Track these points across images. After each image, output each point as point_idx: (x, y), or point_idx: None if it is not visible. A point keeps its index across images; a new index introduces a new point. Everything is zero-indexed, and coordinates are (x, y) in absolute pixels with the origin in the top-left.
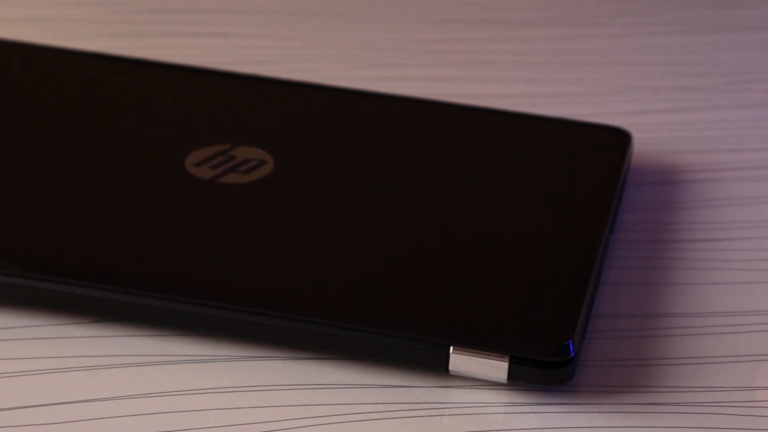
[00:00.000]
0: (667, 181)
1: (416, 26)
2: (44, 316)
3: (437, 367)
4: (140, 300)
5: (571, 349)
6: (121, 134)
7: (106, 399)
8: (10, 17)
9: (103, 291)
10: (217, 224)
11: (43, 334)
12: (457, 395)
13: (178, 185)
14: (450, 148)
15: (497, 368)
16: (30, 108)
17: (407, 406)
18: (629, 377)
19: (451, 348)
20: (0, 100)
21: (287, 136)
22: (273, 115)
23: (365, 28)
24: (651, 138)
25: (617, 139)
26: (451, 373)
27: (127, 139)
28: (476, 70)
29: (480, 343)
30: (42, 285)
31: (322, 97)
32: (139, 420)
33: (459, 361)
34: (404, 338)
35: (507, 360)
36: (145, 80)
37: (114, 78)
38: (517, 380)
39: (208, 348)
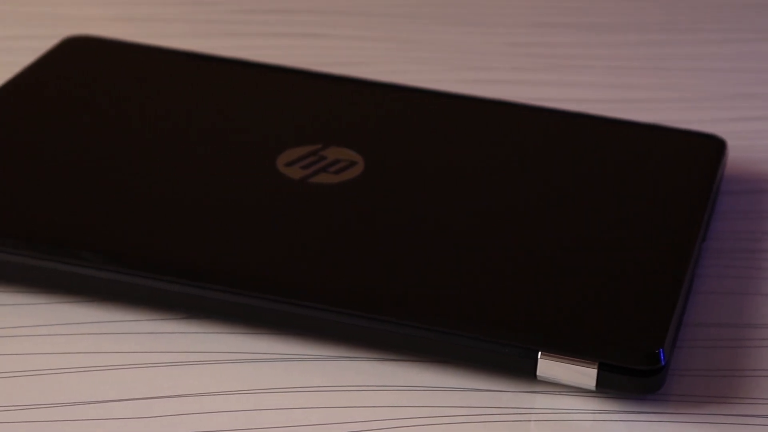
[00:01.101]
0: (762, 189)
1: (508, 29)
2: (136, 312)
3: (525, 372)
4: (232, 297)
5: (662, 357)
6: (215, 133)
7: (196, 394)
8: (107, 15)
9: (195, 288)
10: (306, 224)
11: (135, 329)
12: (545, 401)
13: (269, 184)
14: (542, 153)
15: (586, 375)
16: (126, 107)
17: (494, 411)
18: (720, 388)
19: (540, 353)
20: (97, 99)
21: (378, 137)
22: (364, 116)
23: (457, 31)
24: (745, 146)
25: (711, 147)
26: (538, 378)
27: (220, 137)
28: (568, 74)
29: (569, 349)
30: (136, 280)
31: (413, 99)
32: (229, 416)
33: (547, 366)
34: (492, 342)
35: (596, 367)
36: (239, 80)
37: (209, 77)
38: (606, 388)
39: (298, 347)
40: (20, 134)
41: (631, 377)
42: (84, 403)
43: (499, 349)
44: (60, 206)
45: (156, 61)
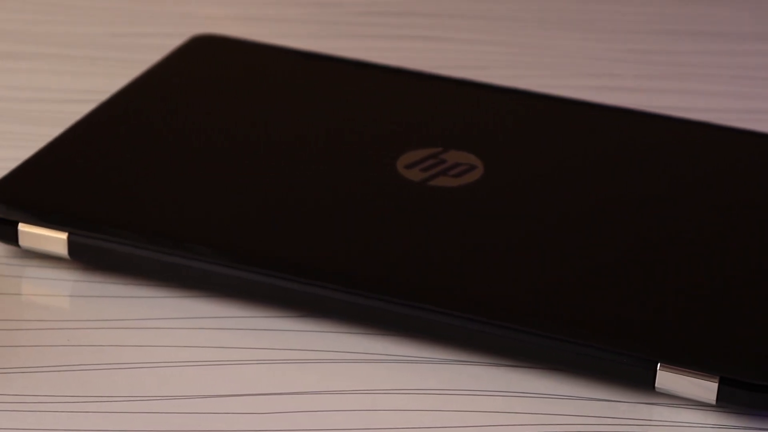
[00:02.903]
0: None
1: (633, 36)
2: (256, 308)
3: (642, 384)
4: (349, 298)
5: None
6: (337, 134)
7: (312, 392)
8: (232, 15)
9: (314, 287)
10: (426, 226)
11: (254, 325)
12: (662, 413)
13: (389, 186)
14: (661, 161)
15: (706, 389)
16: (250, 106)
17: (610, 421)
18: None
19: (659, 364)
20: (222, 97)
21: (498, 142)
22: (484, 120)
23: (581, 37)
24: None
25: None
26: (657, 390)
27: (342, 138)
28: (692, 82)
29: (689, 362)
30: (257, 278)
31: (533, 105)
32: (344, 415)
33: (666, 378)
34: (610, 351)
35: (717, 381)
36: (360, 81)
37: (332, 78)
38: (727, 402)
39: (413, 349)
40: (148, 130)
41: (753, 392)
42: (201, 396)
43: (618, 358)
44: (185, 203)
45: (280, 61)
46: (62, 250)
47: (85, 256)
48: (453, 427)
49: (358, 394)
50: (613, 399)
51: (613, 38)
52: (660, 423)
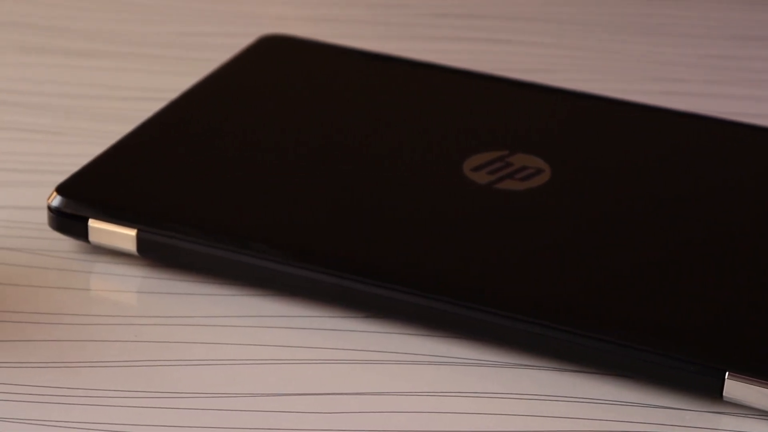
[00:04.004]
0: None
1: (704, 41)
2: (322, 308)
3: (710, 392)
4: (414, 299)
5: None
6: (403, 135)
7: (375, 393)
8: (301, 15)
9: (380, 288)
10: (491, 229)
11: (320, 325)
12: (730, 423)
13: (455, 188)
14: (730, 167)
15: None
16: (318, 106)
17: (676, 430)
18: None
19: (727, 373)
20: (290, 97)
21: (565, 146)
22: (551, 124)
23: (649, 41)
24: None
25: None
26: (725, 399)
27: (408, 140)
28: (762, 89)
29: (758, 371)
30: (324, 278)
31: (601, 109)
32: (407, 417)
33: (735, 387)
34: (677, 359)
35: None
36: (427, 83)
37: (398, 80)
38: None
39: (476, 352)
40: (216, 129)
41: None
42: (267, 395)
43: (685, 366)
44: (253, 202)
45: (347, 62)
46: (131, 246)
47: (153, 253)
48: (515, 431)
49: (421, 396)
50: (679, 407)
51: (683, 43)
52: None
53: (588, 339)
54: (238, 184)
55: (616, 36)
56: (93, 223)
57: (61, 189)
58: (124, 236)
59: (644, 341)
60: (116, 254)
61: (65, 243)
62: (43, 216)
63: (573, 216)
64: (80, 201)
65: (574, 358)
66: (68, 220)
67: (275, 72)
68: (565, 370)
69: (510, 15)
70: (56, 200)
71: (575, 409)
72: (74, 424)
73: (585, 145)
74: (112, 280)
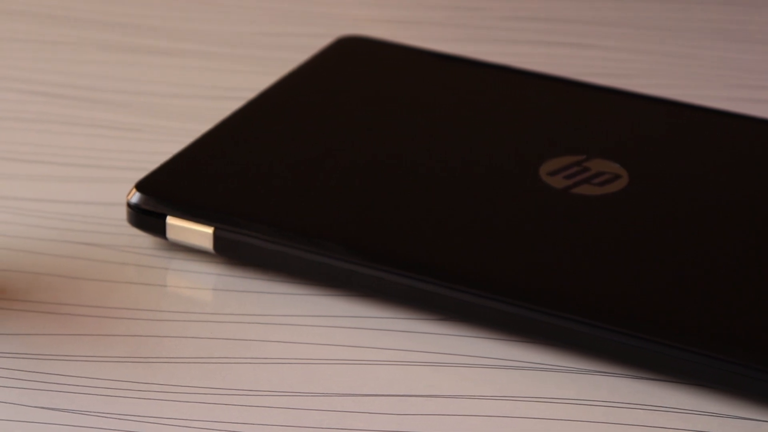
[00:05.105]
0: None
1: None
2: (393, 309)
3: None
4: (488, 303)
5: None
6: (480, 138)
7: (446, 396)
8: (379, 17)
9: (454, 291)
10: (567, 234)
11: (390, 326)
12: None
13: (531, 192)
14: None
15: None
16: (393, 108)
17: None
18: None
19: None
20: (366, 98)
21: (643, 152)
22: (629, 129)
23: (733, 48)
24: None
25: None
26: None
27: (485, 143)
28: None
29: None
30: (398, 279)
31: (679, 115)
32: (480, 421)
33: None
34: (757, 369)
35: None
36: (504, 86)
37: (475, 83)
38: None
39: (551, 357)
40: (294, 129)
41: None
42: (340, 395)
43: (764, 376)
44: (329, 202)
45: (424, 63)
46: (208, 244)
47: (229, 251)
48: None
49: (495, 400)
50: (759, 418)
51: (766, 50)
52: None
53: (667, 348)
54: (314, 184)
55: (698, 41)
56: (171, 221)
57: (140, 186)
58: (202, 234)
59: (724, 351)
60: (193, 251)
61: (143, 239)
62: (122, 212)
63: (651, 223)
64: (159, 198)
65: (652, 366)
66: (147, 217)
67: (352, 73)
68: (643, 378)
69: (588, 19)
70: (135, 197)
71: (652, 418)
72: (150, 419)
73: (663, 152)
74: (189, 277)
